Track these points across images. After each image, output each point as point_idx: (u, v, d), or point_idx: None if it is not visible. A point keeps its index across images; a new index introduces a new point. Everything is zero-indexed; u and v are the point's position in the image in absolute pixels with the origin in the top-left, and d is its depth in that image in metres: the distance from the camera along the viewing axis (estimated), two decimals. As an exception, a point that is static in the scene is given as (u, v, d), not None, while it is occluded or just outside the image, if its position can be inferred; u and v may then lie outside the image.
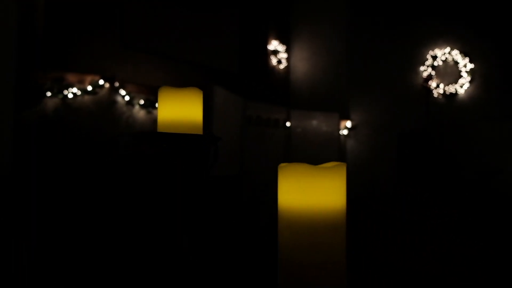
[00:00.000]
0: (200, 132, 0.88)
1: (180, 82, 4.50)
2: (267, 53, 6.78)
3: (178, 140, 0.79)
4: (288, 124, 5.91)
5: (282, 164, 0.56)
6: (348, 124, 6.82)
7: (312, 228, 0.55)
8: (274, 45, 6.85)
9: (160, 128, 0.85)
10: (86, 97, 3.96)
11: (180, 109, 0.84)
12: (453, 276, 3.32)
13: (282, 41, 7.06)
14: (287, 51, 7.19)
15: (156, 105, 4.31)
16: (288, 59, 7.25)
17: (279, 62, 6.98)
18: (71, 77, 3.88)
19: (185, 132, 0.82)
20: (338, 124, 6.30)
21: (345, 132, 6.81)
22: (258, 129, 5.20)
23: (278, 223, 0.57)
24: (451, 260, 3.90)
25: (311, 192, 0.55)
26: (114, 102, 4.16)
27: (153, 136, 0.81)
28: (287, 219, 0.56)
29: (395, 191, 6.31)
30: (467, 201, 5.58)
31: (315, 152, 5.90)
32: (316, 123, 6.01)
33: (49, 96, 3.72)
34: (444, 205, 5.86)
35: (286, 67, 7.22)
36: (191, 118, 0.85)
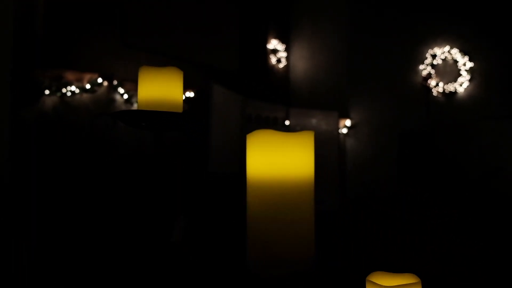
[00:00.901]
0: (180, 111, 0.87)
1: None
2: (267, 52, 6.77)
3: (156, 117, 0.78)
4: (287, 122, 5.90)
5: (250, 133, 0.56)
6: (348, 123, 6.81)
7: (280, 195, 0.53)
8: (273, 44, 6.85)
9: (140, 107, 0.85)
10: (85, 95, 3.96)
11: (160, 88, 0.84)
12: (453, 276, 3.31)
13: (282, 40, 7.05)
14: (286, 50, 7.19)
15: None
16: (287, 58, 7.24)
17: (279, 61, 6.98)
18: (69, 75, 3.87)
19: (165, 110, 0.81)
20: (338, 123, 6.29)
21: (345, 131, 6.80)
22: (257, 128, 5.19)
23: (246, 192, 0.56)
24: (451, 260, 3.89)
25: (278, 159, 0.54)
26: (113, 100, 4.15)
27: (131, 114, 0.80)
28: (255, 187, 0.55)
29: (395, 191, 6.30)
30: (467, 201, 5.57)
31: (316, 151, 5.89)
32: (315, 121, 6.01)
33: (48, 94, 3.71)
34: (444, 205, 5.85)
35: (285, 66, 7.21)
36: (171, 97, 0.85)
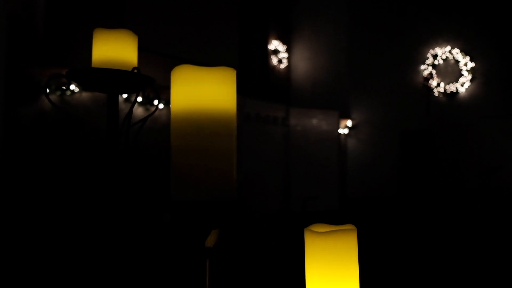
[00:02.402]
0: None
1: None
2: (268, 53, 6.80)
3: (107, 75, 0.80)
4: (287, 122, 5.91)
5: (173, 69, 0.59)
6: (349, 123, 6.82)
7: (200, 126, 0.56)
8: (274, 45, 6.88)
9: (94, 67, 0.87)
10: (84, 94, 4.00)
11: (113, 50, 0.86)
12: (451, 274, 3.31)
13: (283, 41, 7.08)
14: (288, 50, 7.21)
15: (155, 102, 4.34)
16: (289, 59, 7.26)
17: (280, 61, 7.00)
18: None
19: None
20: (338, 122, 6.30)
21: (346, 131, 6.80)
22: (256, 126, 5.21)
23: (170, 127, 0.58)
24: (450, 258, 3.88)
25: (199, 92, 0.57)
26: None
27: (84, 72, 0.82)
28: (177, 119, 0.58)
29: (395, 191, 6.29)
30: (467, 199, 5.54)
31: (314, 150, 5.90)
32: (316, 121, 6.01)
33: (48, 93, 3.75)
34: (445, 203, 5.83)
35: (287, 67, 7.24)
36: (124, 59, 0.87)
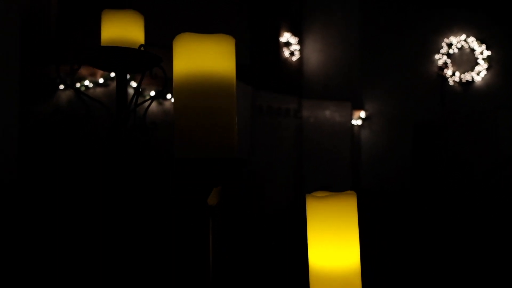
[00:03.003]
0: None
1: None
2: (279, 46, 6.78)
3: (115, 53, 0.84)
4: (300, 114, 5.90)
5: (175, 37, 0.63)
6: (363, 114, 6.77)
7: (202, 90, 0.60)
8: (286, 37, 6.85)
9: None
10: (98, 89, 4.06)
11: (121, 30, 0.89)
12: (455, 269, 3.29)
13: (294, 33, 7.04)
14: (299, 43, 7.18)
15: (168, 96, 4.39)
16: (301, 51, 7.23)
17: (292, 54, 6.97)
18: (83, 70, 3.98)
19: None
20: (351, 114, 6.26)
21: (359, 122, 6.76)
22: (268, 119, 5.21)
23: (173, 90, 0.63)
24: (456, 253, 3.85)
25: (200, 58, 0.61)
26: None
27: (91, 51, 0.85)
28: (180, 82, 0.62)
29: (409, 183, 6.24)
30: (481, 191, 5.47)
31: (327, 142, 5.88)
32: (329, 113, 5.99)
33: (62, 89, 3.83)
34: (458, 195, 5.76)
35: (299, 59, 7.21)
36: (132, 39, 0.90)
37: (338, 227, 0.58)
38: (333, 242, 0.58)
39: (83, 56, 0.85)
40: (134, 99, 0.89)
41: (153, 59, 0.87)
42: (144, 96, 4.36)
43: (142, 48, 0.86)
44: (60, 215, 3.49)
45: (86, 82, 4.03)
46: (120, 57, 0.84)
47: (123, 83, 0.89)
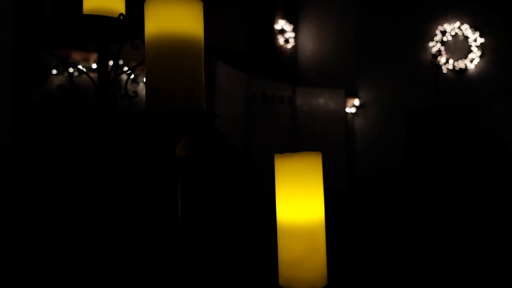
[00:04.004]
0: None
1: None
2: (274, 33, 6.77)
3: (94, 22, 0.85)
4: (294, 101, 5.92)
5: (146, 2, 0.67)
6: (357, 102, 6.79)
7: (172, 48, 0.64)
8: (281, 24, 6.83)
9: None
10: (92, 75, 4.04)
11: (102, 1, 0.90)
12: (453, 258, 3.33)
13: (289, 21, 7.03)
14: (294, 30, 7.16)
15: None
16: (295, 38, 7.22)
17: (287, 41, 6.96)
18: (76, 55, 3.96)
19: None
20: (344, 101, 6.28)
21: (353, 110, 6.78)
22: (263, 106, 5.22)
23: (145, 49, 0.67)
24: (460, 243, 3.91)
25: (170, 19, 0.65)
26: (119, 79, 4.23)
27: (70, 18, 0.87)
28: (152, 43, 0.65)
29: (404, 171, 6.29)
30: (476, 178, 5.53)
31: (321, 130, 5.91)
32: (323, 100, 6.00)
33: (55, 74, 3.81)
34: (454, 183, 5.82)
35: (293, 47, 7.20)
36: (113, 8, 0.91)
37: (303, 183, 0.62)
38: (299, 197, 0.62)
39: (65, 27, 0.86)
40: (114, 69, 0.91)
41: (133, 29, 0.88)
42: (138, 82, 4.35)
43: (121, 17, 0.87)
44: (53, 204, 3.49)
45: (79, 67, 4.01)
46: (99, 26, 0.85)
47: (104, 54, 0.90)
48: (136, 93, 0.98)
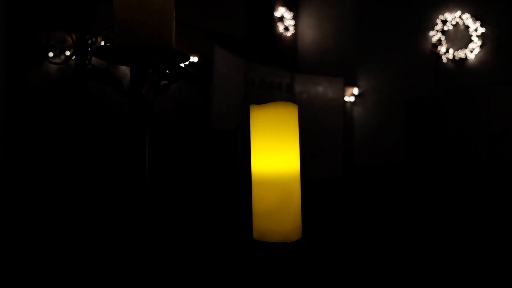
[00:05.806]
0: None
1: (184, 45, 4.52)
2: (274, 20, 6.71)
3: None
4: (292, 89, 5.89)
5: None
6: (356, 91, 6.77)
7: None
8: (281, 11, 6.77)
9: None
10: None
11: None
12: (452, 245, 3.34)
13: (289, 8, 6.97)
14: (294, 18, 7.11)
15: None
16: (295, 26, 7.17)
17: (286, 29, 6.91)
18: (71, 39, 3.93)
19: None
20: (343, 90, 6.25)
21: (352, 99, 6.76)
22: (261, 93, 5.20)
23: None
24: (451, 229, 3.91)
25: None
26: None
27: None
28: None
29: (403, 159, 6.29)
30: (473, 166, 5.54)
31: (320, 118, 5.89)
32: (321, 88, 5.98)
33: (52, 57, 3.78)
34: (452, 171, 5.83)
35: (293, 34, 7.15)
36: None
37: (278, 134, 0.60)
38: (273, 148, 0.60)
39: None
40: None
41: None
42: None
43: None
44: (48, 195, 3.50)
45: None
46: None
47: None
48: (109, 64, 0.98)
